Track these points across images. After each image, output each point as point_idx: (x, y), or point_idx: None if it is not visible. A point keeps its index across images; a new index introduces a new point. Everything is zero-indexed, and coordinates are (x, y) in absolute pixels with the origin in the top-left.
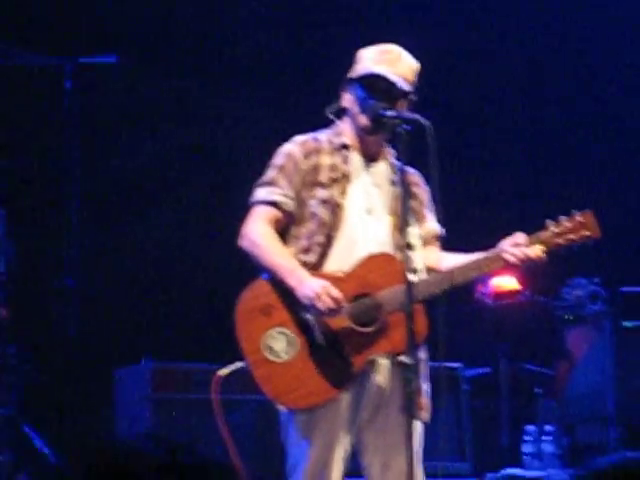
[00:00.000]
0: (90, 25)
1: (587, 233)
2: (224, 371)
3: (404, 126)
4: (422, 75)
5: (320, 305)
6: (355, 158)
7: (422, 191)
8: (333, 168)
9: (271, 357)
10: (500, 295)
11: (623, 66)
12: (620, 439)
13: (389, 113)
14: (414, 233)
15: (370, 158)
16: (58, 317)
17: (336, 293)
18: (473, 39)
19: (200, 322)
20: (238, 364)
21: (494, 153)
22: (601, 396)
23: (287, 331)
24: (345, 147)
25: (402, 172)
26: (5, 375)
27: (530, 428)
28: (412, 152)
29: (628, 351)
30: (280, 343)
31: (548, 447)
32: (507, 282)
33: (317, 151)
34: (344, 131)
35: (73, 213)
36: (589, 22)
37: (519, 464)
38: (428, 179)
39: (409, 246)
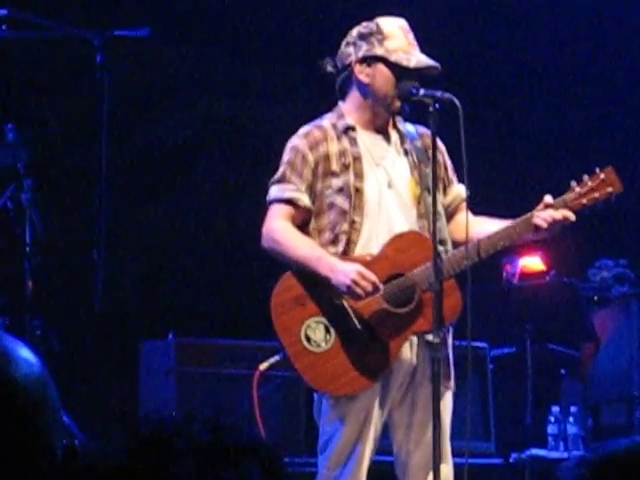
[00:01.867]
0: None
1: (610, 189)
2: (264, 365)
3: (435, 105)
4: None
5: (358, 290)
6: (363, 137)
7: (440, 152)
8: (342, 154)
9: (311, 347)
10: (527, 276)
11: None
12: None
13: (421, 92)
14: (438, 202)
15: (379, 131)
16: (84, 290)
17: (371, 275)
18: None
19: (227, 297)
20: (277, 357)
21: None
22: (626, 378)
23: (324, 320)
24: (350, 129)
25: (420, 137)
26: (31, 347)
27: (555, 409)
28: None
29: None
30: (318, 332)
31: (572, 428)
32: (534, 263)
33: (323, 140)
34: (347, 111)
35: (102, 186)
36: None
37: (544, 445)
38: (458, 156)
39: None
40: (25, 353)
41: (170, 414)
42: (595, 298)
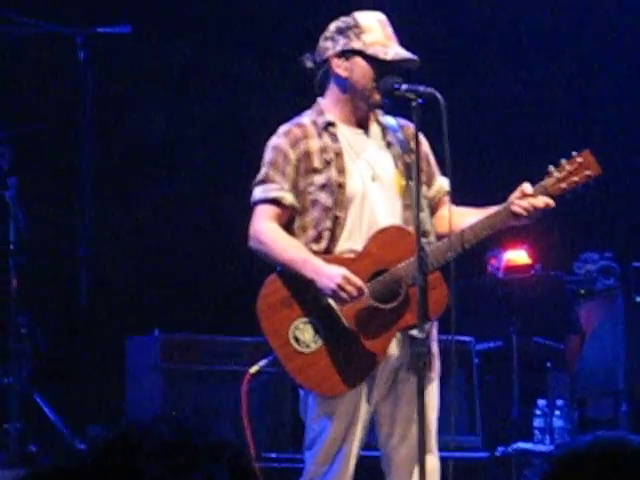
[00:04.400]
0: None
1: (588, 172)
2: (254, 369)
3: (419, 100)
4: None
5: (343, 295)
6: (344, 132)
7: (423, 146)
8: (324, 150)
9: (300, 348)
10: (512, 269)
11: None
12: (630, 414)
13: (404, 87)
14: (421, 193)
15: (359, 126)
16: (70, 287)
17: (357, 280)
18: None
19: (213, 293)
20: (266, 360)
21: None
22: (612, 371)
23: (312, 320)
24: (330, 125)
25: (401, 129)
26: (16, 344)
27: (541, 402)
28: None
29: (639, 326)
30: (307, 333)
31: (558, 421)
32: (519, 256)
33: (303, 137)
34: (326, 107)
35: (86, 183)
36: None
37: (530, 438)
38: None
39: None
40: None
41: (138, 417)
42: (581, 291)
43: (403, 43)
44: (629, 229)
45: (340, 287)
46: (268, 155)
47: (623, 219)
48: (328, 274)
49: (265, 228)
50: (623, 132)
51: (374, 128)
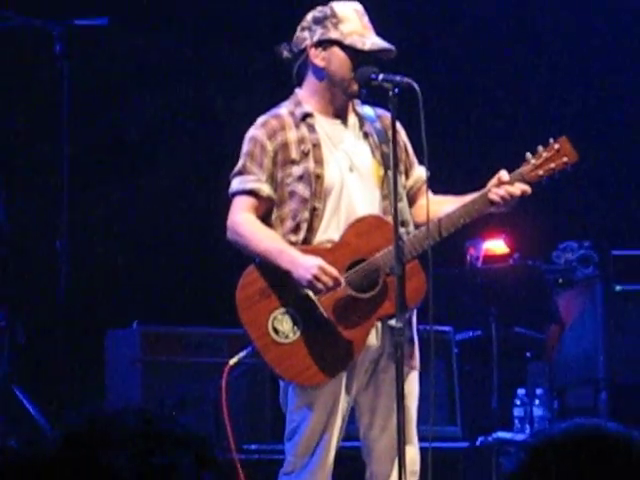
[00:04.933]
0: None
1: (565, 159)
2: (233, 360)
3: (395, 89)
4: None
5: (319, 285)
6: (321, 123)
7: (400, 135)
8: (301, 141)
9: (279, 339)
10: (490, 259)
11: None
12: (610, 403)
13: (381, 77)
14: (399, 183)
15: (337, 116)
16: (48, 280)
17: (332, 270)
18: None
19: (192, 285)
20: (245, 351)
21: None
22: (592, 360)
23: (290, 310)
24: (308, 115)
25: (379, 118)
26: None
27: (521, 392)
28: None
29: (619, 315)
30: (286, 324)
31: (538, 411)
32: (497, 246)
33: (281, 128)
34: (304, 97)
35: (64, 176)
36: None
37: (510, 428)
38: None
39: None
40: None
41: (107, 407)
42: (560, 280)
43: (379, 32)
44: (608, 217)
45: (316, 277)
46: (245, 146)
47: (602, 207)
48: (304, 265)
49: (242, 220)
50: (602, 119)
51: (351, 118)
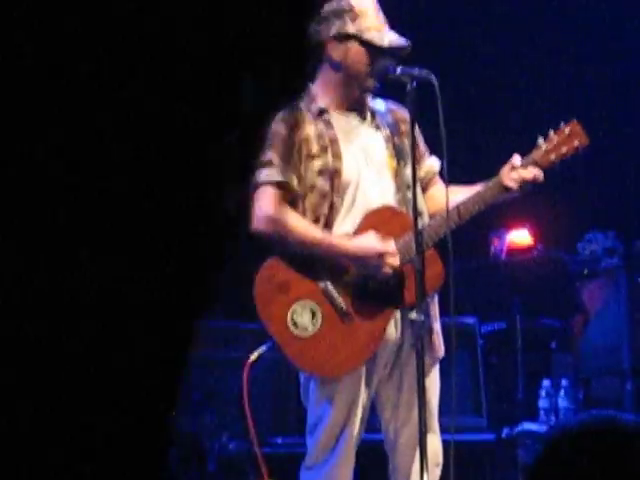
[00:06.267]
0: None
1: (577, 143)
2: (254, 356)
3: (413, 83)
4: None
5: (387, 269)
6: (336, 118)
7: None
8: (320, 136)
9: (299, 333)
10: (514, 250)
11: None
12: (635, 393)
13: (399, 70)
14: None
15: (351, 110)
16: None
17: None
18: None
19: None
20: (265, 346)
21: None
22: (616, 350)
23: (309, 303)
24: (323, 111)
25: (390, 111)
26: None
27: (546, 383)
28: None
29: None
30: (305, 317)
31: (563, 402)
32: (522, 237)
33: (301, 122)
34: (318, 93)
35: None
36: None
37: (535, 419)
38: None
39: (410, 187)
40: None
41: None
42: (585, 271)
43: (393, 27)
44: (631, 208)
45: (382, 258)
46: (270, 140)
47: (627, 198)
48: (366, 250)
49: (281, 212)
50: (627, 110)
51: (364, 112)
